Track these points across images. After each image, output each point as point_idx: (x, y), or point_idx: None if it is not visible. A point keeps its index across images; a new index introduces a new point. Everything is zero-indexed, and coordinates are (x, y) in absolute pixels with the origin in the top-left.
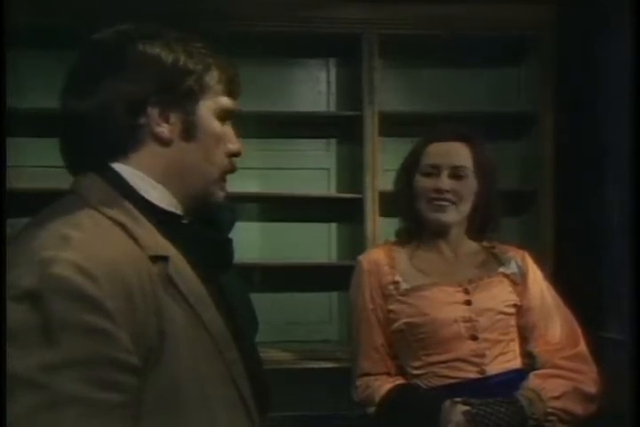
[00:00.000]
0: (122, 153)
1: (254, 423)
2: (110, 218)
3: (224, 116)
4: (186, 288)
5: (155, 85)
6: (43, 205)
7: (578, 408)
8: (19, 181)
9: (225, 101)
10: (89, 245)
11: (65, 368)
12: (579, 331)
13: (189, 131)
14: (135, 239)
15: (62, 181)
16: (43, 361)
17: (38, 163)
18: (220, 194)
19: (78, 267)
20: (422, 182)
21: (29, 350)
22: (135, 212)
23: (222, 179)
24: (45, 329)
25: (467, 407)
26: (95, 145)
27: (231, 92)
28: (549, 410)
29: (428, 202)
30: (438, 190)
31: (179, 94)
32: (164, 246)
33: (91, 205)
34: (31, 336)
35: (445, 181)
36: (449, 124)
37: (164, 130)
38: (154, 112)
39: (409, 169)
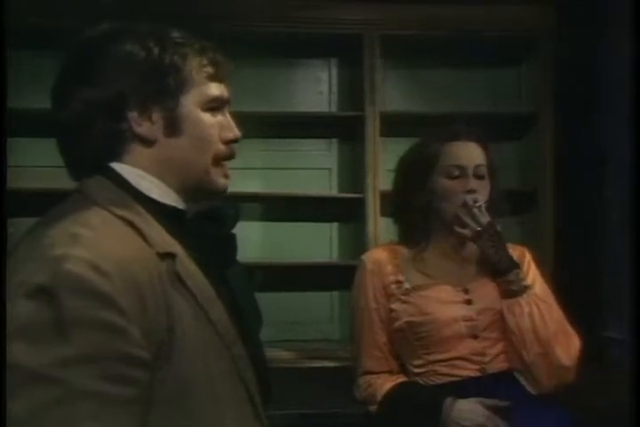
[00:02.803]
0: (115, 155)
1: (261, 419)
2: (118, 216)
3: (213, 105)
4: (193, 285)
5: (130, 87)
6: (43, 205)
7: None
8: (19, 181)
9: (210, 90)
10: (99, 243)
11: (78, 363)
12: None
13: (173, 127)
14: (143, 237)
15: (62, 181)
16: (56, 356)
17: (38, 163)
18: (222, 181)
19: (90, 264)
20: (448, 184)
21: (43, 346)
22: (141, 209)
23: (219, 165)
24: (59, 325)
25: (466, 403)
26: (87, 151)
27: (216, 76)
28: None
29: (460, 205)
30: (470, 192)
31: (157, 92)
32: (172, 244)
33: (98, 204)
34: (44, 332)
35: (474, 182)
36: (458, 123)
37: (145, 130)
38: (133, 115)
39: (423, 169)
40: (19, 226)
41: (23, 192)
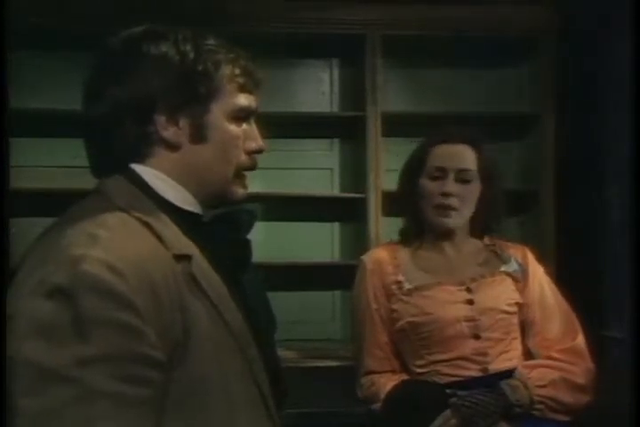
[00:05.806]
0: (139, 156)
1: (274, 421)
2: (136, 217)
3: (241, 115)
4: (208, 287)
5: (161, 91)
6: (43, 205)
7: (566, 397)
8: (19, 181)
9: (239, 101)
10: (116, 244)
11: (95, 363)
12: (577, 326)
13: (199, 134)
14: (160, 238)
15: (62, 181)
16: (73, 356)
17: (38, 163)
18: (240, 192)
19: (107, 264)
20: (428, 186)
21: (59, 346)
22: (158, 211)
23: (239, 176)
24: (76, 325)
25: (453, 399)
26: (111, 150)
27: (246, 86)
28: (536, 398)
29: (434, 206)
30: (445, 194)
31: (187, 98)
32: (188, 246)
33: (116, 205)
34: (61, 332)
35: (451, 185)
36: (453, 125)
37: (171, 135)
38: (161, 119)
39: (414, 170)
40: (19, 226)
41: (23, 192)
